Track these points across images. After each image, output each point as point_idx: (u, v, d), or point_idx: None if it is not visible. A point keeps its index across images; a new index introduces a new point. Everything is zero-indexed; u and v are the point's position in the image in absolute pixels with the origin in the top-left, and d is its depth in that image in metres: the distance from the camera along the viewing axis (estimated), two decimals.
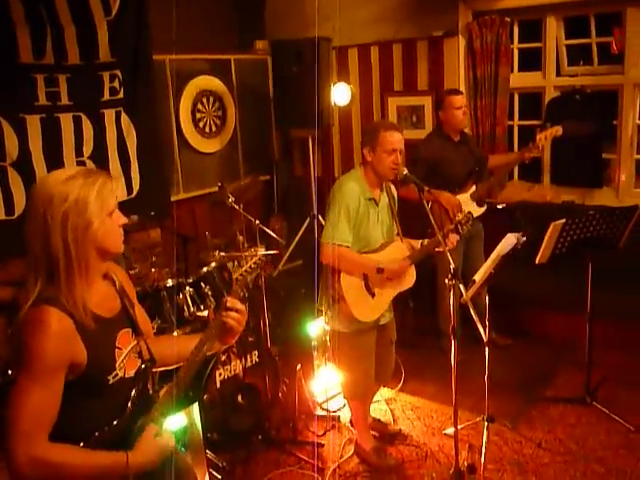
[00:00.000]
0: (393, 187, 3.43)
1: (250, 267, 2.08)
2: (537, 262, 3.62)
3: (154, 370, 2.03)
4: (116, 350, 1.86)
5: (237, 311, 1.98)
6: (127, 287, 2.04)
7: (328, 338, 3.51)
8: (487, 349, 3.34)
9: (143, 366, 1.95)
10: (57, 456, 1.71)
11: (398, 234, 3.38)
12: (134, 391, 1.90)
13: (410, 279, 3.35)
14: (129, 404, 1.88)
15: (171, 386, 1.97)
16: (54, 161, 4.27)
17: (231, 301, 1.98)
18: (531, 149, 4.39)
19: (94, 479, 1.79)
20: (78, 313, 1.73)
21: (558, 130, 4.34)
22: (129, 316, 1.97)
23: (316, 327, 4.07)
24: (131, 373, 1.91)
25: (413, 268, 3.35)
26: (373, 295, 3.24)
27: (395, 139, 3.16)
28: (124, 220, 1.88)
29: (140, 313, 2.08)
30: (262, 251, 2.15)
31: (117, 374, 1.85)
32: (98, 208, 1.76)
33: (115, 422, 1.85)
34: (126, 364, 1.88)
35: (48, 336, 1.66)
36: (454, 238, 3.26)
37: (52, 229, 1.71)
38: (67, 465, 1.72)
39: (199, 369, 2.00)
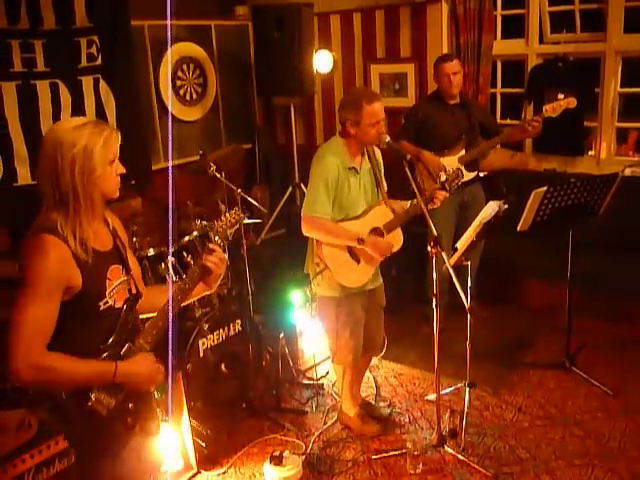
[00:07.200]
0: (377, 150, 3.35)
1: (230, 221, 2.28)
2: (519, 230, 3.63)
3: (143, 317, 2.21)
4: (107, 280, 2.04)
5: (216, 254, 2.20)
6: (120, 232, 2.21)
7: (315, 304, 3.46)
8: (469, 316, 3.36)
9: (131, 297, 2.13)
10: (51, 362, 1.86)
11: (383, 200, 3.31)
12: (121, 318, 2.07)
13: (397, 243, 3.32)
14: (116, 330, 2.05)
15: (155, 318, 2.14)
16: (31, 129, 4.19)
17: (212, 245, 2.22)
18: (532, 120, 4.14)
19: (84, 384, 1.95)
20: (74, 242, 1.91)
21: (572, 102, 4.05)
22: (120, 254, 2.14)
23: (299, 295, 4.08)
24: (120, 304, 2.08)
25: (399, 232, 3.29)
26: (359, 261, 3.23)
27: (378, 110, 3.08)
28: (122, 170, 2.04)
29: (131, 257, 2.24)
30: (241, 213, 2.34)
31: (107, 302, 2.02)
32: (102, 156, 1.93)
33: (103, 345, 2.02)
34: (116, 295, 2.06)
35: (47, 260, 1.84)
36: (441, 195, 3.22)
37: (61, 171, 1.89)
38: (60, 370, 1.87)
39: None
